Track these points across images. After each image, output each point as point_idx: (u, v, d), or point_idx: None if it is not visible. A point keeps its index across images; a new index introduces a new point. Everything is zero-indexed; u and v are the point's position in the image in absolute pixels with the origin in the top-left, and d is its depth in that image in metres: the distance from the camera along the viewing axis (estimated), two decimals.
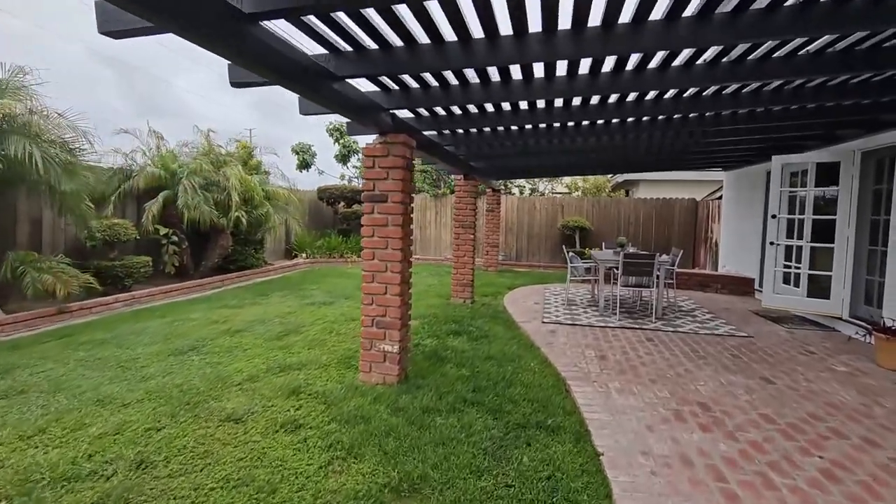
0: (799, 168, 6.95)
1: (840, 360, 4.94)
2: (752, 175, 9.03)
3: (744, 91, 4.29)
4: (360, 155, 16.23)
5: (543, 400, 3.73)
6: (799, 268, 6.72)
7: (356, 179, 18.17)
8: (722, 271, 10.04)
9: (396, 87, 3.89)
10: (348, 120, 4.47)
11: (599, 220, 12.99)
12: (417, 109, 4.69)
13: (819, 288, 6.54)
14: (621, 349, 5.15)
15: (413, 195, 4.30)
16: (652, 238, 12.79)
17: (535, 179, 16.92)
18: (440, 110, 4.73)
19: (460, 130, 5.51)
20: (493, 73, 3.67)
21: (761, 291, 8.40)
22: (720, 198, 11.13)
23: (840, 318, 6.18)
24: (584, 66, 3.51)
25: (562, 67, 3.52)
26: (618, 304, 6.77)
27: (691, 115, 5.09)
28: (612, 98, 4.43)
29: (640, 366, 4.62)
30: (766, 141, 6.76)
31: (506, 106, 4.60)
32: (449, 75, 3.67)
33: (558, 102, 4.54)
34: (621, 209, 12.97)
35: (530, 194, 16.89)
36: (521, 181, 16.44)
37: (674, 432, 3.24)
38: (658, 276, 6.64)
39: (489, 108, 4.68)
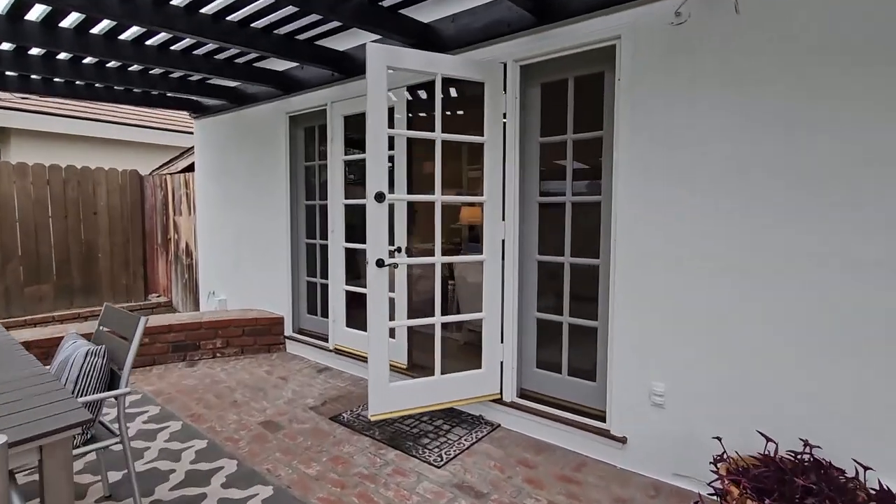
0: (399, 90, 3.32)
1: None
2: (258, 121, 4.82)
3: None
4: None
5: None
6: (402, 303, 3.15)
7: None
8: (213, 308, 5.39)
9: None
10: None
11: None
12: None
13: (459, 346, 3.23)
14: None
15: None
16: (52, 255, 6.32)
17: None
18: None
19: None
20: None
21: (297, 340, 4.45)
22: (190, 169, 6.33)
23: (500, 400, 3.06)
24: None
25: None
26: None
27: None
28: None
29: None
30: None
31: None
32: None
33: None
34: None
35: None
36: None
37: None
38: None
39: None
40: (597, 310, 2.75)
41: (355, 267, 4.52)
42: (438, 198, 2.88)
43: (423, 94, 4.25)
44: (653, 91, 2.39)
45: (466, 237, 6.39)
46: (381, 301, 2.74)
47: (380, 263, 2.71)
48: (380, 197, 2.68)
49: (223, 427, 3.03)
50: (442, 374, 2.93)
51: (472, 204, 6.41)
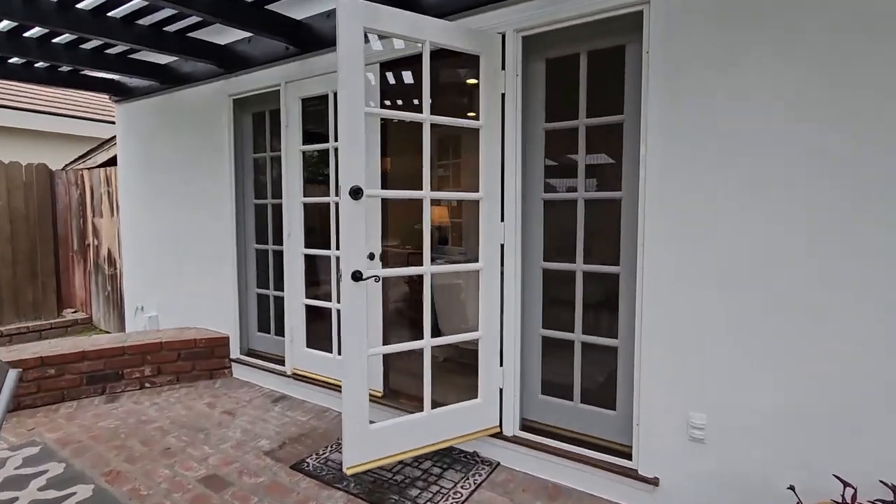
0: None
1: None
2: (195, 105, 4.07)
3: None
4: None
5: None
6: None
7: None
8: (141, 327, 4.56)
9: None
10: None
11: None
12: None
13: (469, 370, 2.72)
14: None
15: None
16: None
17: None
18: None
19: None
20: None
21: (246, 364, 3.77)
22: (112, 163, 5.42)
23: (499, 435, 2.58)
24: None
25: None
26: None
27: None
28: None
29: None
30: None
31: None
32: None
33: None
34: None
35: None
36: None
37: None
38: None
39: None
40: (616, 325, 2.34)
41: (315, 276, 3.90)
42: (427, 194, 2.36)
43: (391, 79, 3.70)
44: (693, 63, 1.99)
45: (435, 239, 5.89)
46: (358, 324, 2.18)
47: (356, 276, 2.14)
48: (356, 193, 2.12)
49: (151, 488, 2.35)
50: (432, 408, 2.41)
51: (439, 202, 5.97)
